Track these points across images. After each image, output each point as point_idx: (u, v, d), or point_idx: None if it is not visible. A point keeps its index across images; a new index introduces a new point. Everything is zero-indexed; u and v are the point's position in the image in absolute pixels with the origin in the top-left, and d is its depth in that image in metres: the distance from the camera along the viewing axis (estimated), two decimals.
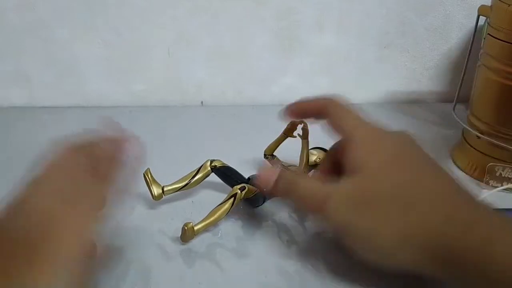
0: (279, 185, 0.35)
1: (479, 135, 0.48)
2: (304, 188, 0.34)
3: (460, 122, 0.50)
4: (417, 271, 0.31)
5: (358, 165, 0.33)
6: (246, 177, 0.41)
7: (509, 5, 0.43)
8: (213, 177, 0.41)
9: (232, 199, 0.37)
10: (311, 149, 0.42)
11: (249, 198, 0.39)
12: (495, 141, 0.46)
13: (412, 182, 0.32)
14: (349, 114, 0.37)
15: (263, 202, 0.40)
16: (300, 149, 0.41)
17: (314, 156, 0.43)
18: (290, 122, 0.41)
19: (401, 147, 0.35)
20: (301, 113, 0.39)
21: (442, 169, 0.34)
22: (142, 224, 0.40)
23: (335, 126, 0.37)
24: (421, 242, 0.30)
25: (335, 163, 0.37)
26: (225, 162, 0.41)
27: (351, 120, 0.37)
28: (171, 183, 0.40)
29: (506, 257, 0.27)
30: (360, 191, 0.32)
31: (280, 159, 0.45)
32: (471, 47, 0.51)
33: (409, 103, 0.67)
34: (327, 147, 0.41)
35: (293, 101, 0.39)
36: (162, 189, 0.40)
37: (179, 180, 0.40)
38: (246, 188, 0.38)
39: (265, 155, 0.44)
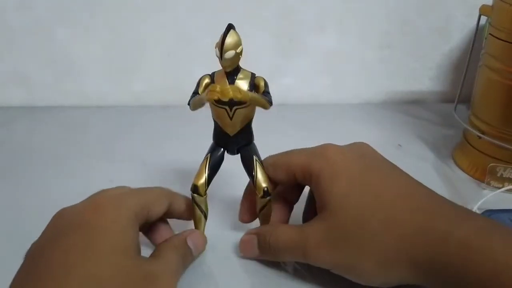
0: (261, 247, 0.35)
1: (480, 135, 0.48)
2: (282, 243, 0.34)
3: (461, 122, 0.50)
4: (408, 284, 0.31)
5: (324, 201, 0.33)
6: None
7: (510, 5, 0.43)
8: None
9: None
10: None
11: None
12: (496, 142, 0.46)
13: (376, 206, 0.31)
14: (291, 156, 0.36)
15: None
16: None
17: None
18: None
19: (360, 164, 0.34)
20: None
21: (404, 177, 0.33)
22: None
23: (284, 176, 0.36)
24: (398, 261, 0.30)
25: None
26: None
27: (298, 160, 0.35)
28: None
29: (484, 264, 0.27)
30: (332, 230, 0.32)
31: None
32: (472, 47, 0.51)
33: (410, 103, 0.66)
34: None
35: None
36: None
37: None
38: None
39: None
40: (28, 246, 0.28)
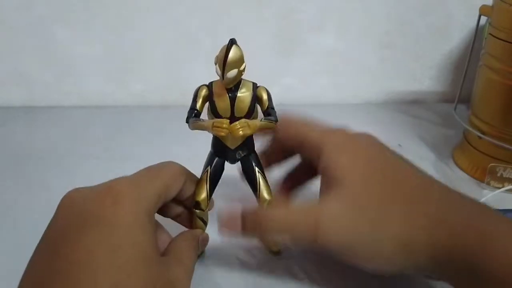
0: (247, 226, 0.32)
1: (481, 135, 0.48)
2: (286, 220, 0.31)
3: (462, 122, 0.50)
4: (418, 273, 0.31)
5: (342, 176, 0.31)
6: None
7: (510, 5, 0.43)
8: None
9: None
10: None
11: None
12: (497, 142, 0.46)
13: (400, 188, 0.31)
14: (305, 126, 0.35)
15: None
16: None
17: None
18: None
19: (376, 150, 0.34)
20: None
21: (421, 170, 0.33)
22: None
23: (294, 144, 0.35)
24: (419, 248, 0.29)
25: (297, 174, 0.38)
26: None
27: (314, 128, 0.35)
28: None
29: (504, 257, 0.27)
30: (351, 207, 0.30)
31: None
32: (472, 47, 0.51)
33: (410, 103, 0.66)
34: None
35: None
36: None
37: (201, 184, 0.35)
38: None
39: None
40: (27, 245, 0.28)
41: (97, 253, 0.25)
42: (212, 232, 0.37)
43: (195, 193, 0.34)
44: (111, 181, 0.29)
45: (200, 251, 0.35)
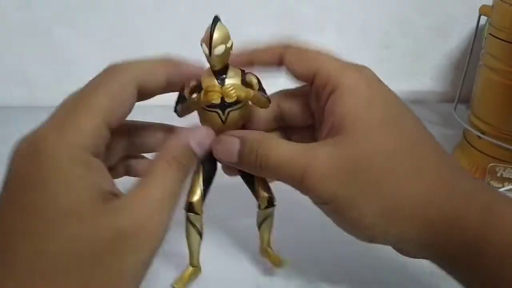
0: (244, 154, 0.28)
1: (480, 135, 0.48)
2: (277, 156, 0.28)
3: (461, 122, 0.50)
4: (403, 251, 0.29)
5: (348, 122, 0.28)
6: None
7: (510, 4, 0.43)
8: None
9: None
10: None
11: None
12: (497, 141, 0.46)
13: (408, 148, 0.28)
14: (322, 55, 0.32)
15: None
16: None
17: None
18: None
19: (394, 103, 0.31)
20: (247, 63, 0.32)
21: (432, 136, 0.31)
22: None
23: (305, 71, 0.31)
24: (412, 217, 0.27)
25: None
26: None
27: (332, 59, 0.31)
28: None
29: (508, 229, 0.25)
30: (348, 157, 0.27)
31: None
32: (472, 47, 0.51)
33: (410, 103, 0.65)
34: None
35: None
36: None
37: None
38: None
39: None
40: None
41: (19, 218, 0.23)
42: (209, 235, 0.37)
43: (188, 194, 0.31)
44: (35, 129, 0.26)
45: (202, 151, 0.28)
